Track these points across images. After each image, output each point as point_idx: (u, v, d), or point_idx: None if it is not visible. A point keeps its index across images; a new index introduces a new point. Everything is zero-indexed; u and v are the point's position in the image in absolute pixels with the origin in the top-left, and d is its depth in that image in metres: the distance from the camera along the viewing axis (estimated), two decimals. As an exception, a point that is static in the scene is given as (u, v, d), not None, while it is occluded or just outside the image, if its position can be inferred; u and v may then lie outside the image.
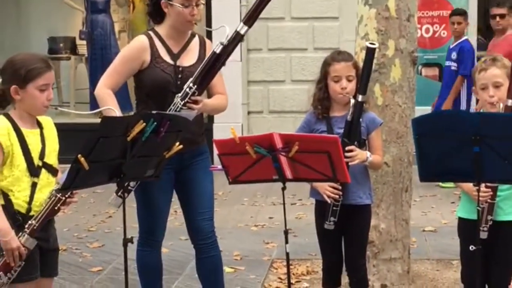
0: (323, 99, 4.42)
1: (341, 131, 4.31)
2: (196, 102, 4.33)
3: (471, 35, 10.02)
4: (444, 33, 9.99)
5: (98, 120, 3.57)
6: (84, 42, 12.04)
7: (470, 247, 4.03)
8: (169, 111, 4.27)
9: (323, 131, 4.36)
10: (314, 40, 9.69)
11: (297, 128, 4.46)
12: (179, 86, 4.40)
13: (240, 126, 9.64)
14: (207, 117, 5.20)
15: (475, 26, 10.15)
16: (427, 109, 4.89)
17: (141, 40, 4.52)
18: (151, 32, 4.55)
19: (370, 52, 4.36)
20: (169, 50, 4.51)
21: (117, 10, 12.31)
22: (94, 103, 11.32)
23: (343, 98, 4.34)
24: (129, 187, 4.29)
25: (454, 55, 8.70)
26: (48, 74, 3.74)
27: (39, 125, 3.81)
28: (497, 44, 8.33)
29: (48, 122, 3.87)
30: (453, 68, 8.72)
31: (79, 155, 3.41)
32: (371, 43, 4.40)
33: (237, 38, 4.33)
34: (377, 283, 5.43)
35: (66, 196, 3.67)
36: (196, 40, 4.61)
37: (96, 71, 11.61)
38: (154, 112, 3.78)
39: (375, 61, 5.36)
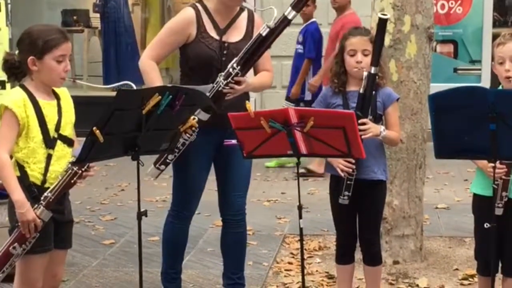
0: (339, 74, 4.42)
1: (356, 105, 4.32)
2: (238, 82, 4.32)
3: (487, 11, 9.97)
4: (459, 9, 9.93)
5: (112, 93, 3.57)
6: (98, 15, 12.03)
7: (485, 225, 4.03)
8: (212, 89, 4.28)
9: (339, 105, 4.36)
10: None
11: (314, 103, 4.47)
12: (224, 62, 4.40)
13: (253, 101, 9.60)
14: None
15: (490, 2, 10.08)
16: (442, 86, 4.86)
17: (188, 12, 4.49)
18: (198, 5, 4.51)
19: (382, 23, 4.32)
20: (215, 25, 4.49)
21: (131, -16, 12.27)
22: (107, 76, 11.48)
23: (358, 72, 4.32)
24: (167, 160, 4.34)
25: (300, 38, 8.68)
26: (65, 45, 3.73)
27: (56, 96, 3.81)
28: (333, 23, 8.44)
29: (64, 94, 3.87)
30: (299, 51, 8.70)
31: (94, 128, 3.41)
32: (383, 14, 4.37)
33: (284, 22, 4.31)
34: (390, 260, 5.46)
35: (83, 169, 3.68)
36: (244, 15, 4.58)
37: (109, 44, 11.66)
38: (169, 85, 3.78)
39: (390, 37, 5.37)
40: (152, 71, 4.46)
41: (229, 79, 4.30)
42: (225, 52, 4.44)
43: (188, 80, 4.49)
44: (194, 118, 4.21)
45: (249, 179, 4.76)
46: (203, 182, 4.66)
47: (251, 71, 4.54)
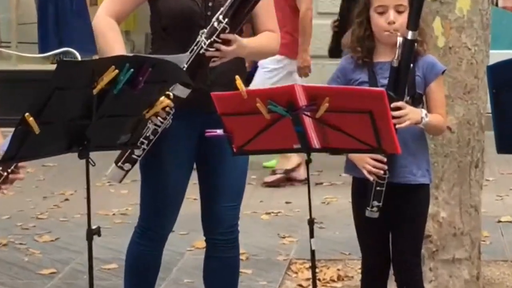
0: (364, 38, 4.41)
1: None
2: (227, 42, 4.31)
3: None
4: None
5: (51, 67, 3.57)
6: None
7: None
8: (191, 53, 4.26)
9: (364, 81, 4.35)
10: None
11: (329, 79, 4.46)
12: (209, 17, 4.37)
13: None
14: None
15: None
16: (506, 54, 4.83)
17: None
18: None
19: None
20: None
21: None
22: (44, 43, 11.47)
23: (390, 36, 4.31)
24: (134, 155, 4.31)
25: None
26: None
27: None
28: None
29: None
30: None
31: (27, 114, 3.41)
32: None
33: None
34: (435, 292, 5.48)
35: (9, 170, 3.68)
36: None
37: (44, 4, 11.65)
38: (130, 54, 3.78)
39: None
40: (110, 31, 4.44)
41: (214, 36, 4.29)
42: (209, 4, 4.43)
43: (161, 45, 4.47)
44: (168, 95, 4.22)
45: (244, 184, 4.76)
46: (183, 188, 4.65)
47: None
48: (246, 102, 3.89)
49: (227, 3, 4.25)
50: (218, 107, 3.96)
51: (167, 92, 4.20)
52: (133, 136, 3.93)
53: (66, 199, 7.97)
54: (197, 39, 4.27)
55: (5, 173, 3.64)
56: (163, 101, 4.00)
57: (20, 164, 3.68)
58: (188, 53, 4.24)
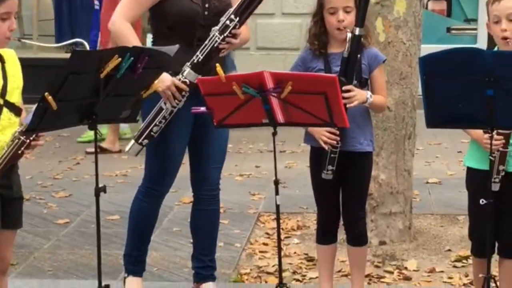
0: (319, 34, 4.37)
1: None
2: (235, 36, 4.31)
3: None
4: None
5: (66, 55, 3.55)
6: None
7: (481, 201, 4.05)
8: (205, 46, 4.27)
9: (320, 69, 4.32)
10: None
11: (291, 67, 4.43)
12: (206, 17, 4.38)
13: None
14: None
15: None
16: (434, 48, 4.85)
17: None
18: None
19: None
20: None
21: None
22: (60, 35, 11.36)
23: (340, 32, 4.30)
24: (152, 133, 4.33)
25: None
26: (10, 1, 3.68)
27: (1, 59, 3.76)
28: None
29: (11, 56, 3.80)
30: (96, 7, 8.60)
31: (46, 93, 3.38)
32: None
33: None
34: (375, 240, 5.49)
35: (31, 138, 3.65)
36: None
37: (60, 2, 11.53)
38: (131, 46, 3.75)
39: (377, -7, 5.37)
40: (130, 33, 4.41)
41: (227, 32, 4.28)
42: (207, 5, 4.41)
43: (166, 41, 4.37)
44: (184, 78, 4.25)
45: (226, 151, 4.75)
46: (183, 155, 4.65)
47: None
48: (224, 85, 3.88)
49: (237, 4, 4.28)
50: (202, 89, 3.95)
51: (184, 79, 4.23)
52: (132, 112, 3.91)
53: (78, 163, 7.93)
54: (210, 35, 4.27)
55: (28, 141, 3.62)
56: (156, 84, 3.99)
57: (40, 133, 3.66)
58: (177, 45, 4.21)
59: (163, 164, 4.58)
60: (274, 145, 4.03)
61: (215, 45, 4.27)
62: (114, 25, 4.45)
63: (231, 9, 4.29)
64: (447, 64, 3.83)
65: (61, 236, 5.94)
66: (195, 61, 4.30)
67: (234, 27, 4.28)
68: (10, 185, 3.79)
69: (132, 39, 4.35)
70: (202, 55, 4.29)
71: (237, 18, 4.26)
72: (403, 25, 5.43)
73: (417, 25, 5.51)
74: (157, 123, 4.33)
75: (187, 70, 4.28)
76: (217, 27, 4.27)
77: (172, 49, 4.07)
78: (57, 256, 5.55)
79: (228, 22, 4.26)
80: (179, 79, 4.27)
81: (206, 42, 4.28)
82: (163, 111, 4.32)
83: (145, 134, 4.35)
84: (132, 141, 4.39)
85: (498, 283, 4.26)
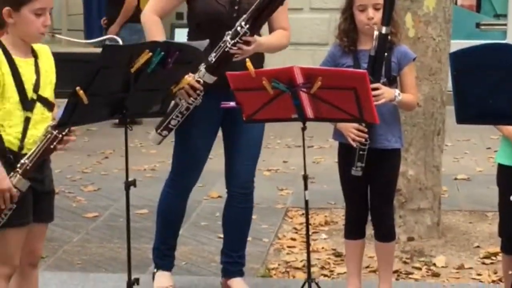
0: (349, 31, 4.38)
1: (369, 66, 4.30)
2: (248, 43, 4.28)
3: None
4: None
5: (95, 50, 3.57)
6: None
7: (511, 197, 4.05)
8: (218, 48, 4.26)
9: (349, 65, 4.32)
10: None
11: (321, 62, 4.44)
12: (235, 18, 4.35)
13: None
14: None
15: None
16: (463, 43, 4.83)
17: None
18: None
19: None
20: None
21: None
22: (89, 31, 11.42)
23: (370, 29, 4.29)
24: (170, 125, 4.36)
25: None
26: None
27: (34, 54, 3.78)
28: None
29: (44, 51, 3.81)
30: None
31: (78, 88, 3.41)
32: None
33: None
34: (403, 236, 5.50)
35: (63, 133, 3.67)
36: None
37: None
38: (161, 40, 3.78)
39: (406, -10, 5.36)
40: (154, 26, 4.45)
41: (237, 38, 4.27)
42: (236, 7, 4.40)
43: (195, 37, 4.41)
44: (200, 78, 4.24)
45: (260, 148, 4.75)
46: (207, 151, 4.66)
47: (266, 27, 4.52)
48: (254, 80, 3.90)
49: (249, 11, 4.25)
50: (231, 83, 3.98)
51: (197, 79, 4.23)
52: (162, 107, 3.93)
53: (106, 157, 7.97)
54: (224, 39, 4.25)
55: (60, 135, 3.64)
56: (187, 79, 4.01)
57: (72, 128, 3.68)
58: (208, 40, 4.22)
59: (187, 160, 4.61)
60: (303, 140, 4.06)
61: (226, 49, 4.26)
62: (143, 17, 4.52)
63: (244, 16, 4.26)
64: (477, 59, 3.81)
65: (90, 230, 5.98)
66: (209, 62, 4.30)
67: (244, 34, 4.24)
68: (42, 179, 3.80)
69: (155, 33, 4.39)
70: (214, 57, 4.28)
71: (247, 26, 4.23)
72: (432, 21, 5.43)
73: (446, 20, 5.50)
74: (174, 117, 4.35)
75: (202, 70, 4.28)
76: (230, 32, 4.26)
77: (202, 44, 4.09)
78: (86, 250, 5.59)
79: (238, 28, 4.24)
80: (195, 78, 4.28)
81: (220, 44, 4.27)
82: (179, 106, 4.33)
83: (163, 125, 4.38)
84: (153, 131, 4.42)
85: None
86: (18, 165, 3.65)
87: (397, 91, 4.28)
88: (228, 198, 4.77)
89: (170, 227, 4.77)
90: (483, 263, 5.31)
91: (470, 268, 5.24)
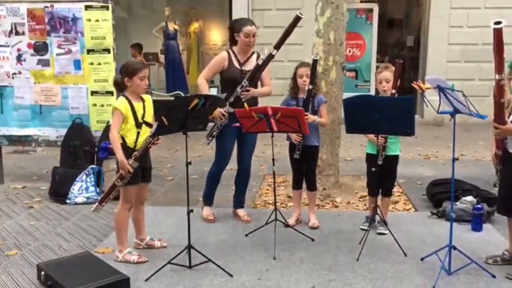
0: (294, 87, 4.38)
1: (304, 105, 4.27)
2: (248, 91, 4.28)
3: (373, 53, 9.89)
4: (358, 52, 9.87)
5: (171, 98, 3.52)
6: (163, 55, 11.91)
7: (372, 169, 4.04)
8: (234, 94, 4.24)
9: (294, 104, 4.30)
10: (288, 55, 9.59)
11: (280, 103, 4.40)
12: (242, 79, 4.32)
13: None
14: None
15: (375, 49, 10.02)
16: (349, 94, 4.83)
17: (224, 53, 4.44)
18: (229, 50, 4.45)
19: (314, 62, 4.28)
20: (238, 61, 4.41)
21: (180, 38, 12.11)
22: (168, 88, 11.37)
23: (304, 87, 4.29)
24: (213, 134, 4.31)
25: None
26: (145, 70, 3.68)
27: (142, 99, 3.76)
28: None
29: (147, 97, 3.79)
30: None
31: (163, 117, 3.39)
32: (314, 57, 4.32)
33: (270, 57, 4.26)
34: (320, 188, 5.48)
35: (155, 140, 3.66)
36: (254, 55, 4.48)
37: (168, 72, 11.54)
38: (202, 94, 3.75)
39: (322, 68, 5.35)
40: (204, 85, 4.36)
41: (243, 88, 4.26)
42: (243, 75, 4.36)
43: (225, 90, 4.40)
44: (226, 111, 4.19)
45: (255, 146, 4.64)
46: (232, 147, 4.55)
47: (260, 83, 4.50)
48: (248, 113, 3.87)
49: (248, 74, 4.21)
50: (237, 114, 3.94)
51: (225, 110, 4.20)
52: (204, 125, 3.89)
53: (177, 150, 7.91)
54: (237, 89, 4.24)
55: (154, 141, 3.61)
56: (218, 111, 3.96)
57: (159, 137, 3.65)
58: (225, 94, 4.19)
59: (222, 152, 4.53)
60: (272, 141, 4.04)
61: (237, 95, 4.24)
62: (199, 80, 4.41)
63: (246, 76, 4.25)
64: (356, 101, 3.82)
65: (169, 186, 5.93)
66: (230, 101, 4.26)
67: (246, 86, 4.24)
68: (146, 161, 3.80)
69: (204, 89, 4.30)
70: (232, 98, 4.24)
71: (247, 82, 4.23)
72: (334, 84, 5.42)
73: (341, 83, 5.49)
74: (215, 129, 4.31)
75: (227, 105, 4.24)
76: (239, 86, 4.23)
77: (222, 95, 4.09)
78: (167, 195, 5.54)
79: (243, 83, 4.24)
80: (224, 110, 4.22)
81: (234, 92, 4.23)
82: (217, 124, 4.29)
83: (209, 134, 4.33)
84: (205, 137, 4.39)
85: (381, 209, 4.24)
86: (133, 155, 3.64)
87: (317, 117, 4.27)
88: (238, 170, 4.70)
89: (212, 185, 4.71)
90: (359, 200, 5.30)
91: (353, 203, 5.23)
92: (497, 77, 3.19)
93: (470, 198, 4.63)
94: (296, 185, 4.57)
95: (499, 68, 3.16)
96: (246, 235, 4.27)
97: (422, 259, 3.74)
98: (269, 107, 3.80)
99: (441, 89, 3.36)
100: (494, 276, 3.45)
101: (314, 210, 4.58)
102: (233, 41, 4.42)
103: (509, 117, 3.38)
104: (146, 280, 3.46)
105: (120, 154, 3.57)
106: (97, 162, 5.57)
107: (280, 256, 3.83)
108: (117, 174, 3.66)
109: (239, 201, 4.78)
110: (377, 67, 4.48)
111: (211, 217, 4.66)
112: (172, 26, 11.44)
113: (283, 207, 5.10)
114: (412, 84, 3.65)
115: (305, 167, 4.47)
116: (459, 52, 9.94)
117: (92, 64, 5.72)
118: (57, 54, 5.75)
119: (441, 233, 4.19)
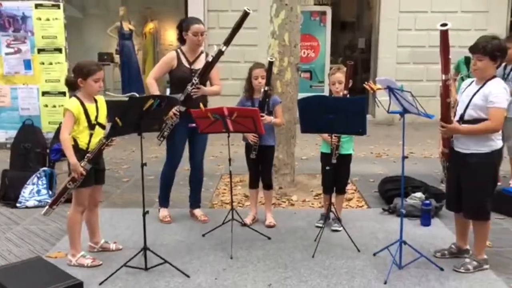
0: (249, 88, 4.37)
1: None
2: (198, 88, 4.22)
3: (327, 55, 10.02)
4: (313, 54, 9.99)
5: (125, 98, 3.45)
6: (118, 55, 11.65)
7: (326, 167, 4.08)
8: (184, 92, 4.18)
9: (249, 105, 4.29)
10: (244, 56, 9.58)
11: (236, 104, 4.39)
12: (192, 77, 4.27)
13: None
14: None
15: (328, 51, 10.15)
16: (304, 94, 4.86)
17: (173, 52, 4.38)
18: (178, 49, 4.39)
19: (270, 63, 4.27)
20: (187, 59, 4.36)
21: (136, 38, 11.88)
22: (124, 89, 11.13)
23: (259, 88, 4.29)
24: (164, 135, 4.23)
25: None
26: (100, 72, 3.58)
27: (95, 100, 3.65)
28: None
29: (100, 99, 3.70)
30: None
31: (116, 118, 3.30)
32: (270, 58, 4.31)
33: (219, 54, 4.22)
34: (277, 186, 5.49)
35: (108, 141, 3.56)
36: (203, 54, 4.45)
37: (124, 72, 11.30)
38: (157, 94, 3.69)
39: (277, 69, 5.36)
40: (153, 86, 4.29)
41: (193, 86, 4.21)
42: (193, 74, 4.32)
43: (175, 90, 4.33)
44: (177, 109, 4.11)
45: (205, 145, 4.63)
46: (183, 147, 4.51)
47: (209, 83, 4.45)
48: (204, 113, 3.84)
49: (198, 72, 4.18)
50: (193, 114, 3.91)
51: (176, 109, 4.12)
52: (159, 126, 3.84)
53: (133, 151, 7.76)
54: (187, 87, 4.19)
55: (107, 142, 3.53)
56: (171, 112, 3.91)
57: (113, 138, 3.56)
58: (180, 94, 4.14)
59: (173, 152, 4.47)
60: (228, 141, 4.03)
61: (188, 92, 4.19)
62: (148, 80, 4.35)
63: (196, 75, 4.21)
64: (310, 102, 3.85)
65: (125, 187, 5.81)
66: (181, 99, 4.21)
67: (196, 84, 4.20)
68: (99, 163, 3.70)
69: (154, 90, 4.22)
70: (183, 97, 4.19)
71: (197, 80, 4.20)
72: (289, 84, 5.44)
73: (296, 84, 5.52)
74: (166, 129, 4.24)
75: (179, 105, 4.19)
76: (189, 84, 4.19)
77: (178, 96, 4.03)
78: (123, 196, 5.43)
79: (194, 81, 4.19)
80: (175, 109, 4.16)
81: (184, 91, 4.19)
82: (168, 124, 4.21)
83: (160, 135, 4.26)
84: (156, 138, 4.29)
85: (335, 207, 4.29)
86: (86, 156, 3.54)
87: (272, 118, 4.28)
88: (191, 171, 4.65)
89: (167, 185, 4.65)
90: (314, 198, 5.35)
91: (309, 201, 5.27)
92: (443, 77, 3.29)
93: (419, 194, 4.77)
94: (253, 185, 4.57)
95: (445, 69, 3.26)
96: (203, 235, 4.23)
97: (374, 254, 3.82)
98: (225, 107, 3.78)
99: (391, 90, 3.44)
100: (442, 269, 3.56)
101: (270, 209, 4.59)
102: (181, 40, 4.38)
103: (454, 116, 3.49)
104: (101, 283, 3.36)
105: (71, 156, 3.47)
106: (49, 164, 5.39)
107: (237, 255, 3.81)
108: (69, 177, 3.54)
109: (195, 201, 4.73)
110: (331, 68, 4.53)
111: (168, 218, 4.60)
112: (127, 26, 11.22)
113: (240, 206, 5.08)
114: (364, 85, 3.71)
115: (261, 167, 4.47)
116: (408, 54, 10.23)
117: (43, 64, 5.53)
118: (6, 54, 5.56)
119: (392, 229, 4.30)
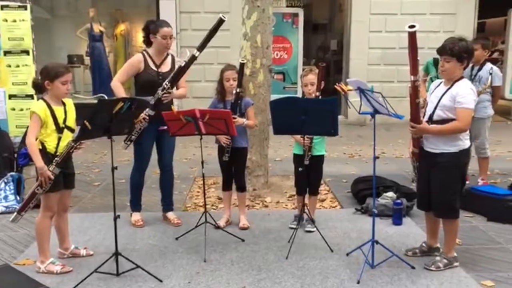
0: (221, 90, 4.34)
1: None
2: (169, 93, 4.18)
3: (300, 57, 10.06)
4: (286, 56, 10.02)
5: (95, 101, 3.39)
6: (88, 57, 11.47)
7: (299, 169, 4.09)
8: (155, 96, 4.12)
9: (222, 107, 4.26)
10: (217, 58, 9.55)
11: (208, 106, 4.36)
12: (160, 83, 4.21)
13: (176, 106, 9.37)
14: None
15: (301, 53, 10.21)
16: (276, 96, 4.86)
17: (139, 55, 4.31)
18: (144, 52, 4.32)
19: (242, 65, 4.26)
20: (154, 62, 4.30)
21: (107, 40, 11.71)
22: (94, 91, 10.96)
23: (231, 90, 4.27)
24: (131, 138, 4.16)
25: None
26: (68, 75, 3.50)
27: (63, 103, 3.57)
28: None
29: (69, 101, 3.61)
30: None
31: (85, 121, 3.24)
32: (242, 60, 4.30)
33: (192, 59, 4.17)
34: (251, 188, 5.47)
35: (77, 144, 3.48)
36: (170, 57, 4.41)
37: (95, 74, 11.12)
38: (127, 97, 3.63)
39: (249, 70, 5.36)
40: (119, 88, 4.23)
41: (164, 91, 4.16)
42: (160, 77, 4.28)
43: (141, 93, 4.27)
44: (146, 113, 4.07)
45: (174, 148, 4.59)
46: (151, 150, 4.47)
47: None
48: (175, 115, 3.80)
49: (169, 78, 4.18)
50: (165, 117, 3.86)
51: (145, 113, 4.07)
52: (130, 129, 3.78)
53: (104, 155, 7.62)
54: (157, 91, 4.12)
55: (76, 145, 3.45)
56: (141, 116, 3.86)
57: (82, 141, 3.49)
58: (151, 97, 4.10)
59: (141, 155, 4.41)
60: (201, 144, 3.99)
61: (158, 97, 4.14)
62: (113, 83, 4.27)
63: (167, 79, 4.17)
64: (283, 103, 3.84)
65: (96, 191, 5.70)
66: (151, 103, 4.15)
67: (167, 88, 4.15)
68: (67, 167, 3.60)
69: (120, 93, 4.16)
70: (153, 101, 4.14)
71: (169, 84, 4.15)
72: (262, 86, 5.44)
73: (268, 85, 5.52)
74: (134, 133, 4.17)
75: (147, 109, 4.13)
76: (160, 88, 4.15)
77: (148, 98, 3.98)
78: (94, 201, 5.32)
79: (165, 85, 4.15)
80: (144, 113, 4.10)
81: (155, 95, 4.13)
82: (137, 128, 4.14)
83: (128, 139, 4.19)
84: (123, 142, 4.20)
85: (309, 208, 4.31)
86: (54, 161, 3.46)
87: (244, 120, 4.26)
88: (161, 173, 4.60)
89: (137, 189, 4.58)
90: (288, 200, 5.35)
91: (283, 202, 5.27)
92: (412, 78, 3.33)
93: (390, 193, 4.83)
94: (226, 187, 4.54)
95: (413, 70, 3.30)
96: (176, 238, 4.18)
97: (347, 254, 3.84)
98: (197, 109, 3.74)
99: (361, 91, 3.46)
100: (413, 267, 3.61)
101: (244, 211, 4.57)
102: (148, 43, 4.33)
103: (424, 116, 3.54)
104: (71, 290, 3.28)
105: (38, 160, 3.38)
106: (17, 169, 5.25)
107: (211, 258, 3.78)
108: (37, 182, 3.45)
109: (167, 204, 4.68)
110: (304, 69, 4.55)
111: (140, 222, 4.53)
112: (97, 28, 11.05)
113: (213, 209, 5.05)
114: (335, 86, 3.73)
115: (234, 169, 4.45)
116: (379, 56, 10.38)
117: (10, 66, 5.40)
118: (-30, 56, 5.38)
119: (365, 228, 4.34)
